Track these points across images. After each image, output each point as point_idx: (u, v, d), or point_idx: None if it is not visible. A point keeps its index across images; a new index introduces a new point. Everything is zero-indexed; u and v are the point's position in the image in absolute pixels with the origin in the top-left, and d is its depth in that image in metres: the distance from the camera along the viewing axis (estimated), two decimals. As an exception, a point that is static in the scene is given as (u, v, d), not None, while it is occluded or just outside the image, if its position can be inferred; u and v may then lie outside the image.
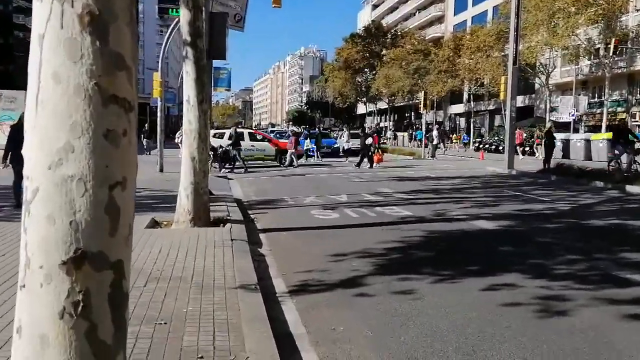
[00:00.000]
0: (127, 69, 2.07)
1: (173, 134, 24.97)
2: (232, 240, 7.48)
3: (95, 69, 1.97)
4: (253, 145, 25.28)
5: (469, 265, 6.55)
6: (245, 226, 8.82)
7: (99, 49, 1.98)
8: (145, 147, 31.91)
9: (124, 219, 2.08)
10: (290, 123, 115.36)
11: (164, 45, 19.81)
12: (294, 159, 24.84)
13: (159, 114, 20.12)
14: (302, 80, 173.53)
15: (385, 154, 36.82)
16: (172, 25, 18.86)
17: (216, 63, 19.53)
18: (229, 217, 9.44)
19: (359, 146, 26.48)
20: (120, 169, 2.04)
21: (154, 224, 8.91)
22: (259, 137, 26.35)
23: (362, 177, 19.61)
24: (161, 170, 19.38)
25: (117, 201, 2.04)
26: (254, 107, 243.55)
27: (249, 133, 26.51)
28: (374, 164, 24.21)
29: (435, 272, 6.20)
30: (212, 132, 24.45)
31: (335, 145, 36.09)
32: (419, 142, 46.08)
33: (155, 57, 52.85)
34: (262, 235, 8.62)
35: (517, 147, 36.34)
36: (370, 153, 24.43)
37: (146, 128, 35.65)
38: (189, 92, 8.97)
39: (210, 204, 9.44)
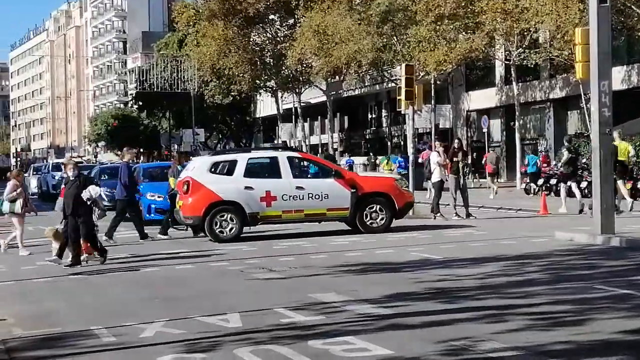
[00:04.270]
0: None
1: None
2: None
3: None
4: (301, 186, 16.66)
5: None
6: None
7: None
8: None
9: None
10: (100, 146, 71.58)
11: None
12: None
13: None
14: (124, 44, 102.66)
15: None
16: None
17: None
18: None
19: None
20: None
21: None
22: (312, 166, 17.98)
23: (273, 266, 12.98)
24: None
25: None
26: (11, 107, 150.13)
27: (289, 158, 17.34)
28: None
29: None
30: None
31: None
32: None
33: None
34: None
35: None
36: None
37: None
38: None
39: None
